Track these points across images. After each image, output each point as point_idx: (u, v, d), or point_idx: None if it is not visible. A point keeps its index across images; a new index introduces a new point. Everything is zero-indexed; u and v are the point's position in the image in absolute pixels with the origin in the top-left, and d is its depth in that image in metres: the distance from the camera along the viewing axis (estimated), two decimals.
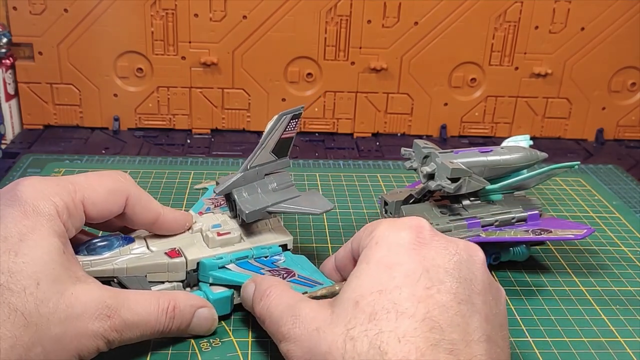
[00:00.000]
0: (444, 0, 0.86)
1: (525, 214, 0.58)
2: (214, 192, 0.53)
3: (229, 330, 0.49)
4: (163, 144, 0.87)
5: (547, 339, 0.50)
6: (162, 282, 0.48)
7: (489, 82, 0.91)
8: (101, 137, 0.88)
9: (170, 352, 0.46)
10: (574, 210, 0.71)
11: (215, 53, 0.87)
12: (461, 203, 0.58)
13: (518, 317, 0.52)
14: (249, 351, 0.47)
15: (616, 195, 0.75)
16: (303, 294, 0.45)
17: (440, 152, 0.57)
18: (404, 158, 0.59)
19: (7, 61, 0.85)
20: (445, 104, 0.92)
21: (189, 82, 0.88)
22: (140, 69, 0.87)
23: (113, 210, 0.46)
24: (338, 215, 0.67)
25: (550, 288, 0.57)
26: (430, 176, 0.56)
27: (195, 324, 0.46)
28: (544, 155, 0.61)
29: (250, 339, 0.48)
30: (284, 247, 0.53)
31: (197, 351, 0.47)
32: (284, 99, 0.90)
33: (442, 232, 0.55)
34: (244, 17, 0.85)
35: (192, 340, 0.47)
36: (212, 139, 0.90)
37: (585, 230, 0.54)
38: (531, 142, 0.64)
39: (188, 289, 0.49)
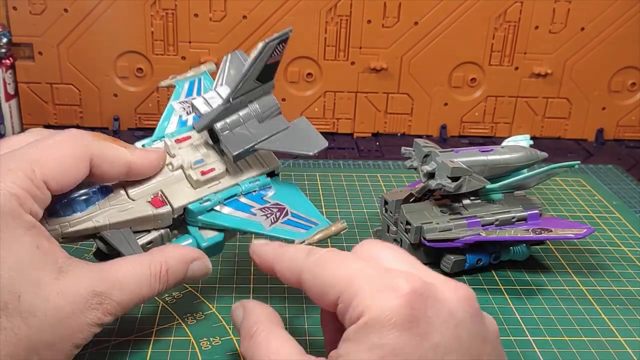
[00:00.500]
0: (444, 0, 0.86)
1: (525, 213, 0.58)
2: (193, 127, 0.48)
3: (229, 329, 0.49)
4: None
5: (547, 338, 0.50)
6: (149, 231, 0.46)
7: (489, 82, 0.91)
8: None
9: (170, 351, 0.46)
10: (574, 210, 0.71)
11: (215, 53, 0.87)
12: (461, 202, 0.58)
13: (518, 317, 0.52)
14: None
15: (616, 195, 0.75)
16: (301, 243, 0.44)
17: (440, 152, 0.57)
18: (404, 158, 0.59)
19: (7, 61, 0.85)
20: (445, 104, 0.92)
21: None
22: (140, 69, 0.87)
23: (78, 178, 0.42)
24: (338, 215, 0.67)
25: (551, 287, 0.57)
26: (431, 175, 0.56)
27: (189, 278, 0.44)
28: (544, 155, 0.61)
29: None
30: (272, 173, 0.50)
31: (197, 350, 0.47)
32: (283, 99, 0.90)
33: (442, 231, 0.55)
34: (244, 17, 0.86)
35: (192, 340, 0.47)
36: None
37: (585, 230, 0.54)
38: (531, 142, 0.64)
39: (175, 231, 0.47)
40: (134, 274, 0.41)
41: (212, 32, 0.86)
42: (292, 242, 0.45)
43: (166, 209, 0.45)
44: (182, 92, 0.54)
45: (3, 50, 0.84)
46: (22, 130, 0.89)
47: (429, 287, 0.34)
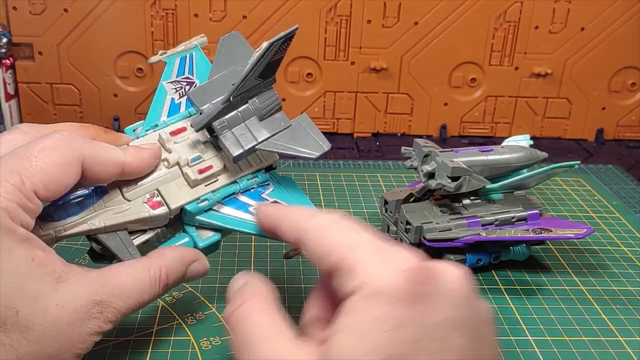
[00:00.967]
0: (444, 0, 0.86)
1: (526, 213, 0.58)
2: (192, 125, 0.46)
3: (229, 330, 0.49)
4: None
5: (547, 338, 0.50)
6: (144, 231, 0.44)
7: (489, 82, 0.91)
8: None
9: (170, 351, 0.46)
10: (574, 210, 0.71)
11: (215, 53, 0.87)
12: (461, 202, 0.58)
13: (518, 316, 0.52)
14: None
15: (616, 195, 0.75)
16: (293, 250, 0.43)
17: (440, 152, 0.57)
18: (404, 158, 0.59)
19: (7, 61, 0.85)
20: (445, 104, 0.92)
21: None
22: (140, 69, 0.87)
23: (69, 183, 0.40)
24: None
25: (551, 287, 0.57)
26: (431, 175, 0.56)
27: (188, 278, 0.44)
28: (544, 155, 0.61)
29: None
30: (270, 167, 0.48)
31: (197, 350, 0.47)
32: (284, 99, 0.90)
33: (442, 230, 0.55)
34: (244, 17, 0.86)
35: (192, 339, 0.47)
36: None
37: (585, 230, 0.54)
38: (531, 142, 0.64)
39: (171, 229, 0.46)
40: (134, 280, 0.40)
41: (212, 32, 0.86)
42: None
43: (163, 210, 0.44)
44: (174, 70, 0.51)
45: (3, 50, 0.84)
46: None
47: (432, 264, 0.34)
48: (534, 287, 0.57)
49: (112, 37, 0.85)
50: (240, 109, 0.46)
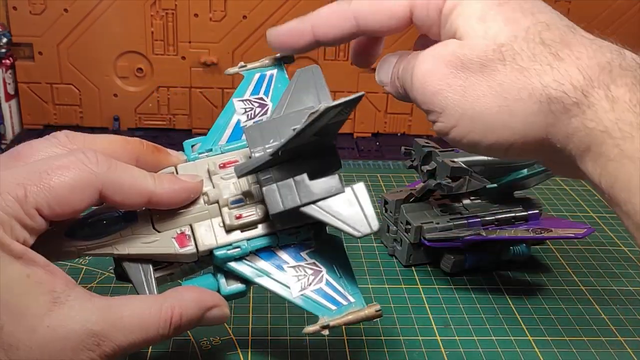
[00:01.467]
0: None
1: (526, 213, 0.58)
2: (234, 170, 0.42)
3: (229, 330, 0.49)
4: (163, 144, 0.87)
5: (547, 337, 0.50)
6: (171, 263, 0.42)
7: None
8: None
9: (170, 351, 0.46)
10: (574, 210, 0.71)
11: (215, 53, 0.87)
12: (461, 202, 0.58)
13: (518, 316, 0.52)
14: (249, 350, 0.47)
15: None
16: (325, 324, 0.40)
17: (440, 151, 0.57)
18: (404, 158, 0.59)
19: (7, 61, 0.85)
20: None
21: (189, 82, 0.88)
22: (140, 69, 0.87)
23: (80, 208, 0.37)
24: None
25: (551, 287, 0.57)
26: (431, 174, 0.56)
27: (205, 323, 0.41)
28: None
29: (250, 338, 0.48)
30: (316, 225, 0.43)
31: (197, 350, 0.47)
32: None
33: (442, 230, 0.55)
34: (244, 17, 0.85)
35: (193, 340, 0.47)
36: None
37: (585, 230, 0.54)
38: None
39: (200, 265, 0.43)
40: (141, 316, 0.37)
41: (212, 32, 0.86)
42: (317, 318, 0.40)
43: (191, 250, 0.41)
44: (249, 87, 0.48)
45: (3, 50, 0.84)
46: (22, 130, 0.89)
47: None
48: (534, 286, 0.57)
49: (112, 37, 0.85)
50: (291, 162, 0.41)
